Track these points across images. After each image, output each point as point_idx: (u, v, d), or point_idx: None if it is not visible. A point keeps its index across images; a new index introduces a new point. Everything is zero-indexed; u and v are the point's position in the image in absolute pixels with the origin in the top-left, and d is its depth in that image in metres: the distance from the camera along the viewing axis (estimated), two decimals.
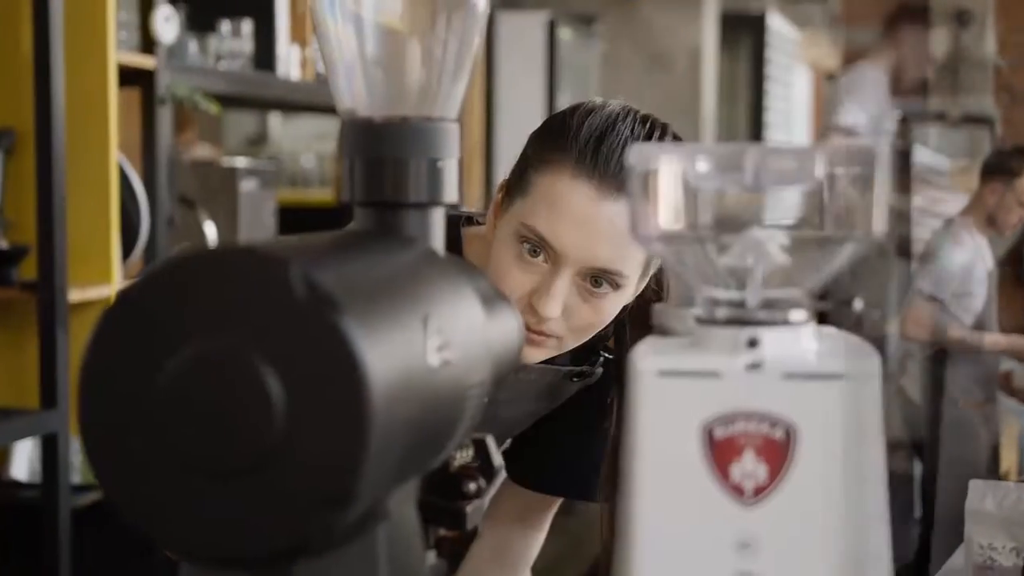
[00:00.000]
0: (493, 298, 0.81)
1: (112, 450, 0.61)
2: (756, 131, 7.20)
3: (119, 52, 2.48)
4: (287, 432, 0.58)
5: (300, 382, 0.58)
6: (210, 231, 2.81)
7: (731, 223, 0.69)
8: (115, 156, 2.43)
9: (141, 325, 0.60)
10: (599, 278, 1.21)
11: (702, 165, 0.68)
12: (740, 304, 0.68)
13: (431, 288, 0.70)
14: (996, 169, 3.87)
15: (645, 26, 5.44)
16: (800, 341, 0.67)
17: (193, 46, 2.84)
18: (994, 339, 3.88)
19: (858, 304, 3.40)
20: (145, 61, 2.59)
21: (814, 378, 0.65)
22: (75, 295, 2.36)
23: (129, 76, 2.57)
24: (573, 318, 1.23)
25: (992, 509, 1.87)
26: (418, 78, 0.79)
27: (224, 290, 0.60)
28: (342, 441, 0.58)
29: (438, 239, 0.78)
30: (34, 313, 2.30)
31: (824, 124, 4.24)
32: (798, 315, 0.68)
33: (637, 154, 0.67)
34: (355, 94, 0.79)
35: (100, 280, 2.44)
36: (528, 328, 1.21)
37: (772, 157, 0.67)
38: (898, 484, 3.86)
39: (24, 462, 2.56)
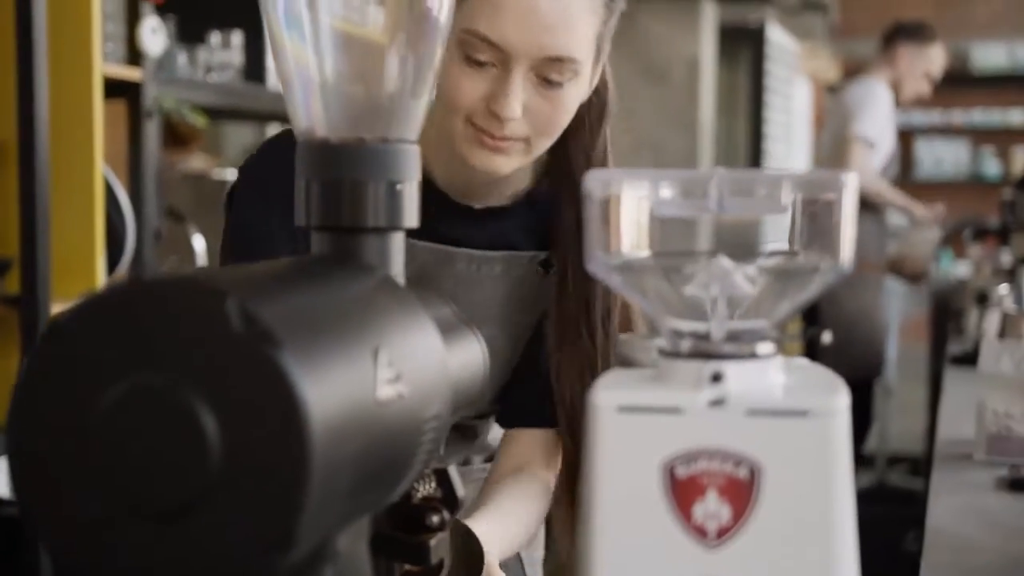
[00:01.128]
0: (454, 326, 0.79)
1: (40, 484, 0.58)
2: (755, 143, 7.18)
3: (105, 64, 2.45)
4: (223, 471, 0.55)
5: (237, 419, 0.55)
6: (198, 245, 2.78)
7: (696, 251, 0.67)
8: (100, 168, 2.41)
9: (74, 356, 0.58)
10: (551, 74, 1.20)
11: (665, 191, 0.65)
12: (704, 336, 0.65)
13: (384, 318, 0.68)
14: (910, 35, 4.46)
15: (642, 37, 5.42)
16: (766, 375, 0.65)
17: (182, 57, 2.82)
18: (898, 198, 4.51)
19: (826, 337, 3.47)
20: (131, 73, 2.56)
21: (780, 415, 0.62)
22: (58, 309, 2.33)
23: (116, 88, 2.54)
24: (535, 117, 1.22)
25: (1009, 370, 1.73)
26: (376, 97, 0.76)
27: (160, 322, 0.57)
28: (281, 481, 0.55)
29: (397, 264, 0.76)
30: (16, 328, 2.28)
31: (837, 134, 4.29)
32: (765, 348, 0.65)
33: (596, 179, 0.65)
34: (312, 113, 0.76)
35: (84, 294, 2.42)
36: (492, 136, 1.22)
37: (737, 184, 0.64)
38: None
39: (5, 478, 2.54)
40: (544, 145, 1.26)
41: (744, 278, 0.65)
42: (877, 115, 4.29)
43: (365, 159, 0.74)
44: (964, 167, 9.97)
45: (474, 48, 1.19)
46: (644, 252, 0.66)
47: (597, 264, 0.66)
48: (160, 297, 0.57)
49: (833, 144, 4.42)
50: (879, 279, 4.43)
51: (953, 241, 9.71)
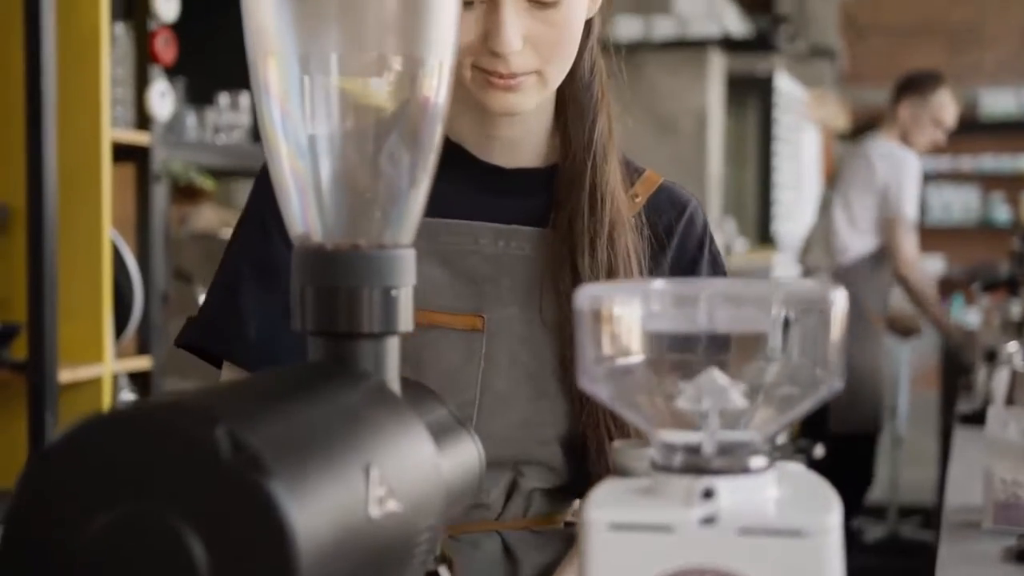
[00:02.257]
0: (448, 428, 0.79)
1: None
2: (765, 191, 7.19)
3: (114, 129, 2.47)
4: None
5: (226, 548, 0.55)
6: None
7: (687, 364, 0.67)
8: (108, 233, 2.42)
9: (64, 484, 0.58)
10: None
11: (655, 305, 0.65)
12: (696, 449, 0.65)
13: (376, 432, 0.68)
14: (911, 87, 4.49)
15: (650, 90, 5.44)
16: (759, 490, 0.64)
17: (191, 119, 2.84)
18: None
19: (818, 451, 3.47)
20: (140, 138, 2.58)
21: (772, 534, 0.62)
22: (66, 375, 2.34)
23: (124, 152, 2.56)
24: (538, 44, 1.16)
25: (1016, 437, 1.71)
26: (372, 203, 0.77)
27: (149, 449, 0.57)
28: None
29: (392, 369, 0.76)
30: (24, 394, 2.28)
31: (882, 214, 4.28)
32: (757, 462, 0.65)
33: (585, 293, 0.65)
34: (307, 219, 0.77)
35: (92, 359, 2.42)
36: (500, 75, 1.15)
37: (727, 297, 0.64)
38: None
39: None
40: (558, 73, 1.19)
41: (736, 391, 0.65)
42: (915, 190, 4.34)
43: (360, 266, 0.75)
44: (974, 213, 9.98)
45: None
46: (635, 365, 0.66)
47: (588, 377, 0.66)
48: (149, 424, 0.57)
49: (863, 214, 4.39)
50: (882, 332, 4.42)
51: (963, 287, 9.71)
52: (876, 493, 5.89)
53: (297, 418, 0.63)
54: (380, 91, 0.76)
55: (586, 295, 0.65)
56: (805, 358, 0.65)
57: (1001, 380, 2.75)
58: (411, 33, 0.75)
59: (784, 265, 6.93)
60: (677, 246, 1.29)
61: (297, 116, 0.75)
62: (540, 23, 1.16)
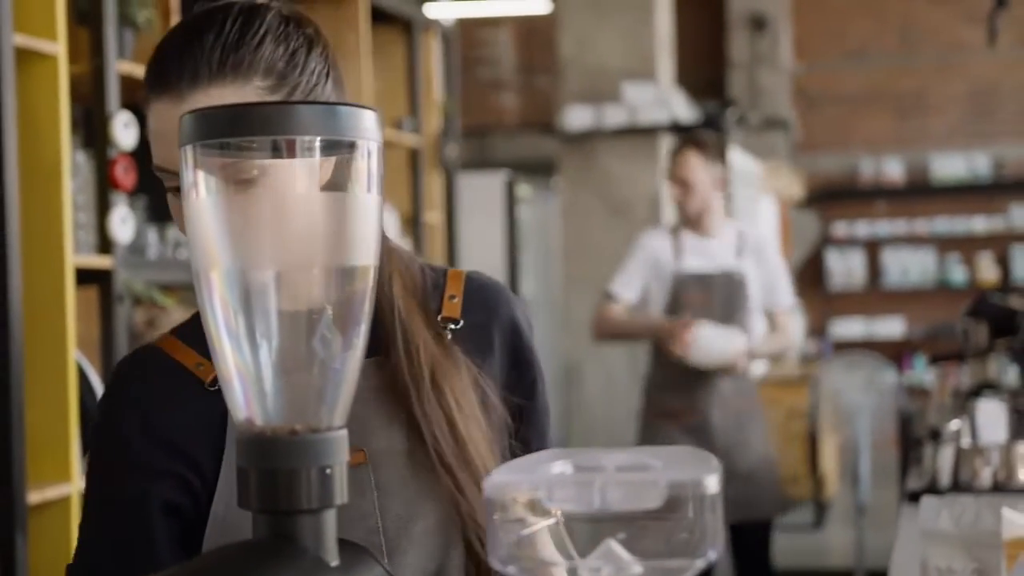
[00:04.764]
0: None
1: None
2: None
3: (76, 255, 2.55)
4: None
5: None
6: None
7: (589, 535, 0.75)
8: (73, 355, 2.49)
9: None
10: None
11: (559, 492, 0.74)
12: None
13: None
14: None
15: (603, 175, 5.58)
16: None
17: (152, 236, 2.93)
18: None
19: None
20: (102, 261, 2.66)
21: None
22: (34, 496, 2.40)
23: (87, 275, 2.64)
24: None
25: (949, 527, 1.76)
26: (308, 389, 0.86)
27: None
28: None
29: (330, 539, 0.84)
30: None
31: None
32: None
33: (493, 484, 0.74)
34: (250, 406, 0.85)
35: (59, 479, 2.48)
36: None
37: (618, 483, 0.73)
38: None
39: None
40: None
41: (633, 561, 0.74)
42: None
43: (298, 449, 0.84)
44: (931, 274, 10.16)
45: (169, 180, 1.19)
46: (542, 544, 0.75)
47: (499, 559, 0.74)
48: None
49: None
50: (757, 413, 4.15)
51: (924, 347, 9.85)
52: (843, 559, 5.97)
53: None
54: (314, 293, 0.85)
55: (493, 484, 0.74)
56: (691, 534, 0.73)
57: (947, 458, 2.84)
58: (339, 243, 0.85)
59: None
60: (500, 344, 1.32)
61: (239, 319, 0.84)
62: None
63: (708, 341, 3.79)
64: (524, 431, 1.32)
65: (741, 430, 3.99)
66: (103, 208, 2.65)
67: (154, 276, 2.84)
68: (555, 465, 0.76)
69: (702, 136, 4.03)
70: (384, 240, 1.25)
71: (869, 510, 5.75)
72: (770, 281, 3.96)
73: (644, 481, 0.73)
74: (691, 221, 3.93)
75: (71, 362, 2.48)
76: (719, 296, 3.92)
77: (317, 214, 0.85)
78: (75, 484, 2.49)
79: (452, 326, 1.28)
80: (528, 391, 1.33)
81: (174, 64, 1.18)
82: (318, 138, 0.84)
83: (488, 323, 1.31)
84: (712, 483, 0.72)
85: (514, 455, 1.27)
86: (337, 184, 0.87)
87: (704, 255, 3.92)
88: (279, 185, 0.96)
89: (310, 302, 0.85)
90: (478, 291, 1.32)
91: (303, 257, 0.85)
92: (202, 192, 0.85)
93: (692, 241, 3.94)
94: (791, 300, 4.05)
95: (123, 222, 2.65)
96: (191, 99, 1.16)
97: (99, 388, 2.59)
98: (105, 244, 2.66)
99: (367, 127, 0.86)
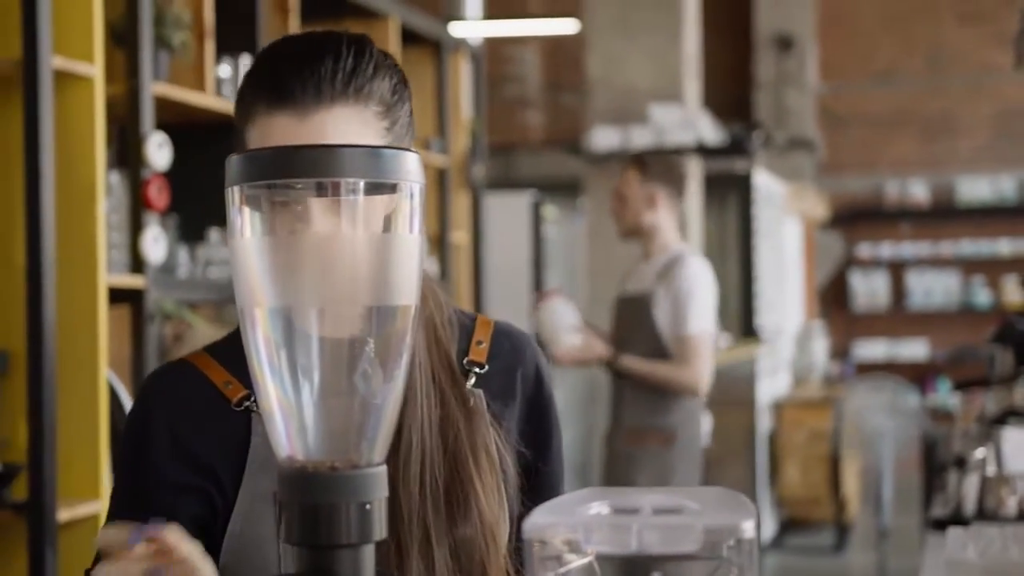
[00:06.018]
0: None
1: None
2: (747, 285, 7.30)
3: (110, 274, 2.58)
4: None
5: None
6: None
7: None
8: (104, 374, 2.52)
9: None
10: None
11: (596, 533, 0.75)
12: None
13: None
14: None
15: None
16: None
17: (183, 255, 2.96)
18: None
19: None
20: (135, 281, 2.70)
21: None
22: (64, 513, 2.42)
23: (119, 294, 2.67)
24: None
25: (975, 559, 1.76)
26: (348, 428, 0.88)
27: None
28: None
29: (368, 574, 0.86)
30: (24, 534, 2.36)
31: None
32: None
33: (532, 524, 0.75)
34: (292, 443, 0.87)
35: (89, 496, 2.51)
36: None
37: (654, 526, 0.75)
38: None
39: None
40: None
41: None
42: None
43: (338, 485, 0.85)
44: (955, 297, 10.13)
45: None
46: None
47: None
48: None
49: None
50: (668, 449, 3.90)
51: (948, 370, 9.80)
52: None
53: None
54: (356, 331, 0.88)
55: (533, 527, 0.75)
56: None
57: (972, 486, 2.83)
58: (381, 283, 0.87)
59: (768, 356, 7.04)
60: (522, 392, 1.34)
61: (282, 355, 0.86)
62: None
63: (548, 313, 3.85)
64: (535, 484, 1.31)
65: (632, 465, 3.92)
66: (136, 228, 2.68)
67: (184, 295, 2.87)
68: (592, 506, 0.78)
69: (646, 158, 4.09)
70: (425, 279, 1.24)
71: (891, 534, 5.73)
72: (674, 307, 3.84)
73: (681, 525, 0.75)
74: (627, 236, 4.00)
75: (103, 381, 2.51)
76: (623, 318, 3.94)
77: (360, 255, 0.87)
78: (104, 502, 2.52)
79: (477, 370, 1.30)
80: (544, 442, 1.34)
81: (295, 80, 1.17)
82: (362, 180, 0.86)
83: (512, 370, 1.33)
84: (749, 528, 0.74)
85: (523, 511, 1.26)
86: (380, 225, 0.89)
87: (636, 278, 3.96)
88: (323, 225, 0.98)
89: (352, 339, 0.87)
90: (505, 338, 1.34)
91: (346, 296, 0.87)
92: (247, 232, 0.88)
93: (637, 265, 4.03)
94: (698, 329, 3.79)
95: (155, 242, 2.68)
96: (315, 115, 1.16)
97: (128, 407, 2.62)
98: (137, 264, 2.69)
99: (410, 169, 0.88)
